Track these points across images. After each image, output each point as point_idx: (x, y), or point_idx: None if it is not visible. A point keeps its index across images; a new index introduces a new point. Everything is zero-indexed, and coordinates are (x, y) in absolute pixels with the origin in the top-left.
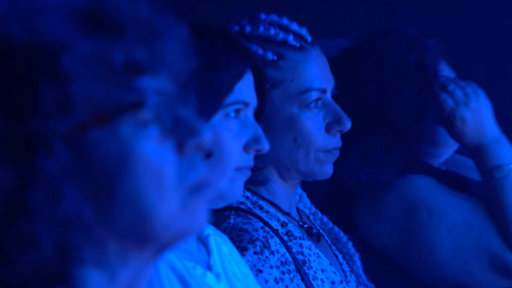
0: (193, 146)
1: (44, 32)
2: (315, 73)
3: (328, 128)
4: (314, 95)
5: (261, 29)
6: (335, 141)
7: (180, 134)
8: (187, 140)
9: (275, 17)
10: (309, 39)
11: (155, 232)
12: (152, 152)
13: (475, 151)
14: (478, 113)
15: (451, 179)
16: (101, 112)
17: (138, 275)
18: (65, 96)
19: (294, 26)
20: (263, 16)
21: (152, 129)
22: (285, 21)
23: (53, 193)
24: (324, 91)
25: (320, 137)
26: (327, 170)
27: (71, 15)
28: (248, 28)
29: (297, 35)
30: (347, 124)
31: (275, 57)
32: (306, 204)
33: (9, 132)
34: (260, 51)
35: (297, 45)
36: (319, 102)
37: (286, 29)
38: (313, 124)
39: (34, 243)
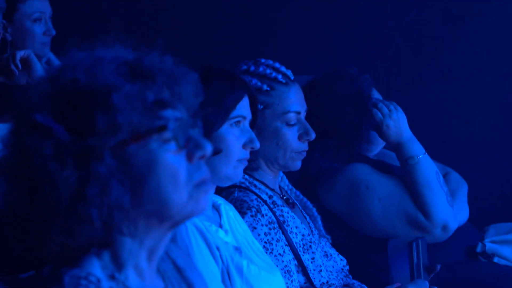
0: (199, 156)
1: (101, 77)
2: (294, 101)
3: (300, 137)
4: (292, 115)
5: (261, 69)
6: (304, 146)
7: (190, 148)
8: (195, 152)
9: (270, 61)
10: (292, 77)
11: (171, 214)
12: (171, 160)
13: (396, 147)
14: (397, 122)
15: (381, 166)
16: (137, 133)
17: (158, 242)
18: (113, 122)
19: (283, 69)
20: (263, 60)
21: (171, 144)
22: (277, 64)
23: (103, 188)
24: (298, 112)
25: (294, 143)
26: (298, 165)
27: (119, 66)
28: (252, 68)
29: (284, 75)
30: (312, 135)
31: (268, 88)
32: (285, 183)
33: (74, 146)
34: (259, 84)
35: (284, 81)
36: (295, 120)
37: (277, 70)
38: (290, 134)
39: (89, 221)
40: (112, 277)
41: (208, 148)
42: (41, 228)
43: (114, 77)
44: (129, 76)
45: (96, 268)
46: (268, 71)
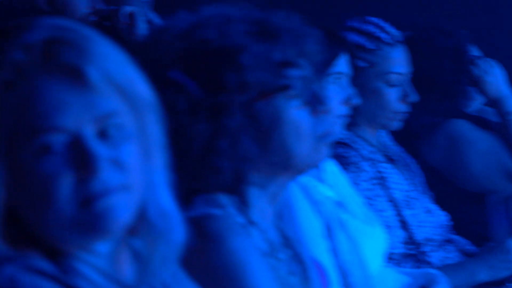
0: (321, 111)
1: (231, 37)
2: (397, 61)
3: (400, 99)
4: (394, 76)
5: (367, 27)
6: (404, 108)
7: (314, 103)
8: (317, 107)
9: (377, 20)
10: (398, 38)
11: (294, 163)
12: (295, 115)
13: (495, 103)
14: (496, 78)
15: (480, 122)
16: (264, 91)
17: (280, 188)
18: (242, 80)
19: (389, 28)
20: (370, 18)
21: (296, 100)
22: (383, 24)
23: (233, 140)
24: (401, 74)
25: (394, 103)
26: (396, 125)
27: (248, 25)
28: (358, 25)
29: (390, 35)
30: (413, 98)
31: (372, 47)
32: (387, 139)
33: (207, 102)
34: (363, 42)
35: (389, 41)
36: (397, 81)
37: (383, 30)
38: (391, 95)
39: (220, 172)
40: (237, 208)
41: (329, 104)
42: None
43: (244, 37)
44: (257, 35)
45: (224, 198)
46: (373, 29)
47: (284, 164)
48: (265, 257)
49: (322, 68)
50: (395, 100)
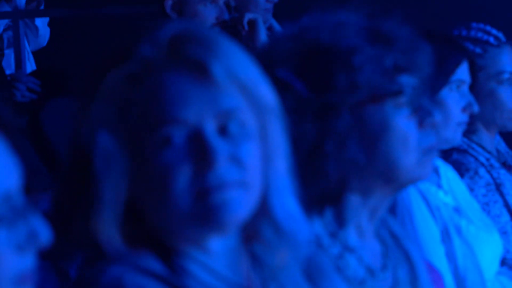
0: (428, 124)
1: (343, 39)
2: (507, 61)
3: None
4: (507, 75)
5: (472, 32)
6: None
7: (421, 115)
8: (425, 119)
9: (481, 25)
10: (503, 39)
11: (398, 176)
12: (403, 125)
13: None
14: None
15: None
16: (374, 94)
17: (381, 202)
18: (353, 81)
19: (494, 31)
20: (474, 24)
21: (405, 110)
22: (488, 27)
23: (340, 143)
24: (510, 72)
25: (510, 102)
26: None
27: (361, 29)
28: (464, 32)
29: (496, 37)
30: None
31: (481, 51)
32: (503, 146)
33: (315, 101)
34: (472, 47)
35: (495, 43)
36: (508, 80)
37: (489, 33)
38: (506, 94)
39: (325, 175)
40: (332, 235)
41: (437, 116)
42: None
43: (356, 39)
44: (370, 39)
45: (318, 225)
46: (479, 34)
47: (388, 175)
48: (361, 285)
49: (445, 75)
50: (510, 99)
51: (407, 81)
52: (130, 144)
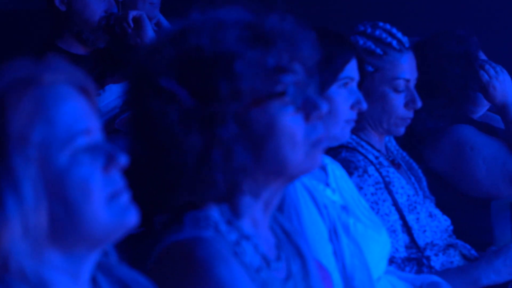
0: (315, 116)
1: (224, 44)
2: (405, 68)
3: (406, 105)
4: (401, 82)
5: (377, 32)
6: (409, 114)
7: (307, 109)
8: (311, 112)
9: (388, 26)
10: (407, 45)
11: (288, 171)
12: (289, 122)
13: (501, 109)
14: (503, 83)
15: (485, 127)
16: (258, 98)
17: (274, 195)
18: (236, 88)
19: (399, 35)
20: (381, 24)
21: (290, 107)
22: (394, 30)
23: (227, 152)
24: (408, 80)
25: (399, 109)
26: (401, 131)
27: (241, 30)
28: (369, 30)
29: (399, 41)
30: (419, 104)
31: (381, 53)
32: (392, 144)
33: (199, 111)
34: (373, 47)
35: (398, 47)
36: (403, 87)
37: (393, 36)
38: (396, 100)
39: (214, 184)
40: (229, 222)
41: (324, 108)
42: (167, 187)
43: (237, 44)
44: (251, 41)
45: (215, 212)
46: (384, 35)
47: (278, 171)
48: (257, 272)
49: (333, 72)
50: (401, 106)
51: (290, 79)
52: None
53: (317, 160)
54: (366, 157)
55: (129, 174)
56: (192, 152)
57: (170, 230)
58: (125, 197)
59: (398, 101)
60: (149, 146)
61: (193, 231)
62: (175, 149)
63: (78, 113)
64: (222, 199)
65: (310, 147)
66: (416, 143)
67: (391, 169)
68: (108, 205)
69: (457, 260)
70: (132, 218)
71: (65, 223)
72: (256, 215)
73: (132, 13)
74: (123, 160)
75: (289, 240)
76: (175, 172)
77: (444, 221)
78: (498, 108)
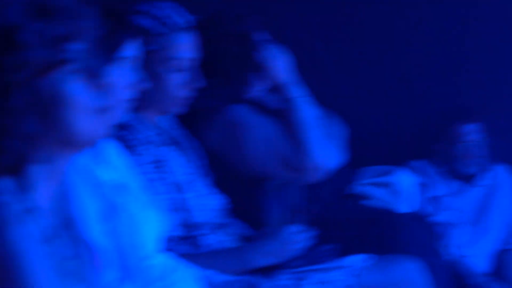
0: (101, 84)
1: (8, 17)
2: (184, 48)
3: (185, 85)
4: (178, 62)
5: (155, 11)
6: (188, 93)
7: (92, 77)
8: (97, 80)
9: (167, 5)
10: (186, 24)
11: (76, 140)
12: (74, 90)
13: (278, 88)
14: (280, 64)
15: (261, 108)
16: (42, 67)
17: (61, 164)
18: (20, 59)
19: (177, 14)
20: (160, 3)
21: (75, 75)
22: (172, 10)
23: (16, 119)
24: (187, 60)
25: (177, 89)
26: (179, 111)
27: (26, 5)
28: (147, 9)
29: (177, 21)
30: (198, 84)
31: (158, 32)
32: (170, 121)
33: None
34: (150, 25)
35: (176, 27)
36: (183, 67)
37: (171, 16)
38: (174, 80)
39: (3, 151)
40: (15, 192)
41: (108, 78)
42: None
43: (21, 16)
44: (35, 14)
45: (5, 186)
46: (161, 14)
47: (66, 140)
48: (43, 243)
49: (108, 50)
50: (177, 86)
51: (73, 47)
52: None
53: (104, 128)
54: (137, 137)
55: None
56: None
57: None
58: None
59: (176, 81)
60: None
61: None
62: None
63: None
64: (13, 169)
65: (95, 114)
66: (194, 121)
67: (168, 148)
68: None
69: (232, 239)
70: None
71: None
72: (46, 187)
73: None
74: None
75: (71, 226)
76: None
77: (219, 200)
78: (275, 88)
